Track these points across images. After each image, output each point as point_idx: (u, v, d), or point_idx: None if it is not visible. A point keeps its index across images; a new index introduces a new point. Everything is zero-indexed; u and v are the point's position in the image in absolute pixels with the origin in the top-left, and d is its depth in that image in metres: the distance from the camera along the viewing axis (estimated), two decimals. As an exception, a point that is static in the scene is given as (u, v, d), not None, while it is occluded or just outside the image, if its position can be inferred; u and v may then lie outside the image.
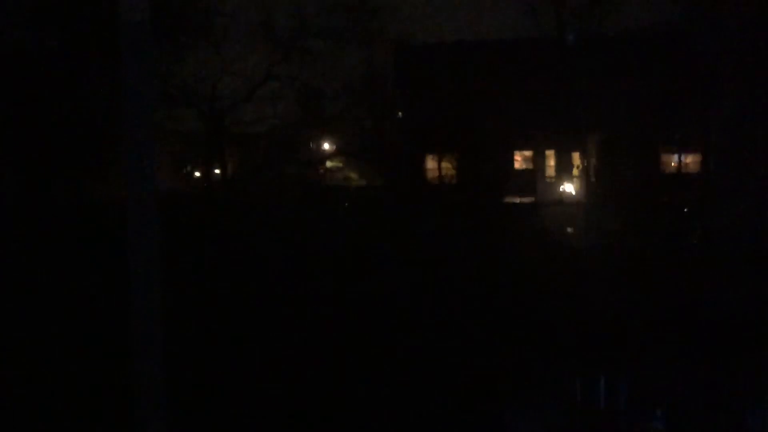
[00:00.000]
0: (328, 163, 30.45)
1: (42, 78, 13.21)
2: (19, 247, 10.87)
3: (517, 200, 25.36)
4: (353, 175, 31.78)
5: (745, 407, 5.36)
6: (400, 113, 27.75)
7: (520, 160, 28.81)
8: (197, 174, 28.27)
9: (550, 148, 27.07)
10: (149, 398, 2.58)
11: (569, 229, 16.65)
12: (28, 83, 12.88)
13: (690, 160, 26.47)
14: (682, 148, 26.05)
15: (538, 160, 27.23)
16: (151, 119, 2.57)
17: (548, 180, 26.96)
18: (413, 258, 11.36)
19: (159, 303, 2.59)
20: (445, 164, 28.48)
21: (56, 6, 13.39)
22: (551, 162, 27.26)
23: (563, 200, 25.37)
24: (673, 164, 26.89)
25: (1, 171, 13.28)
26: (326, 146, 31.49)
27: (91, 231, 11.35)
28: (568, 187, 26.32)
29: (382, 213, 20.30)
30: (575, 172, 26.82)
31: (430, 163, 28.65)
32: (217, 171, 26.08)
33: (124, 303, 2.70)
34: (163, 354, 2.65)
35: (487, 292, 8.45)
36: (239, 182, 26.76)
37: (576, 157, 26.88)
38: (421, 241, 13.99)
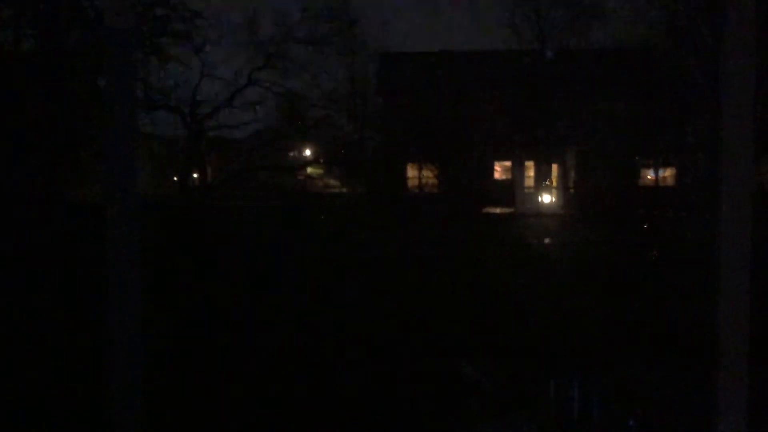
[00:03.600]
0: (309, 170, 30.44)
1: (19, 77, 13.08)
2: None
3: (497, 210, 25.56)
4: (333, 183, 31.80)
5: (717, 416, 5.46)
6: (381, 121, 27.86)
7: (499, 170, 29.06)
8: (175, 178, 28.07)
9: (529, 159, 27.32)
10: (124, 402, 2.58)
11: (547, 240, 16.82)
12: (4, 83, 12.75)
13: (668, 173, 26.90)
14: (660, 162, 26.45)
15: (518, 170, 27.47)
16: (134, 125, 2.58)
17: (527, 191, 27.21)
18: (389, 267, 11.40)
19: (138, 307, 2.59)
20: (425, 173, 28.64)
21: (35, 6, 13.28)
22: (530, 173, 27.52)
23: (541, 211, 25.59)
24: (649, 177, 27.30)
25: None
26: (307, 153, 31.49)
27: (67, 232, 11.23)
28: (547, 198, 26.57)
29: (361, 220, 20.34)
30: (553, 183, 27.09)
31: (411, 172, 28.79)
32: (196, 176, 25.94)
33: (101, 307, 2.70)
34: (142, 358, 2.65)
35: (461, 301, 8.50)
36: (218, 187, 26.66)
37: (555, 169, 27.17)
38: (399, 249, 14.05)
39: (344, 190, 30.82)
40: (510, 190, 27.36)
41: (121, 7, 2.49)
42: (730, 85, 2.49)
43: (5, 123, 12.39)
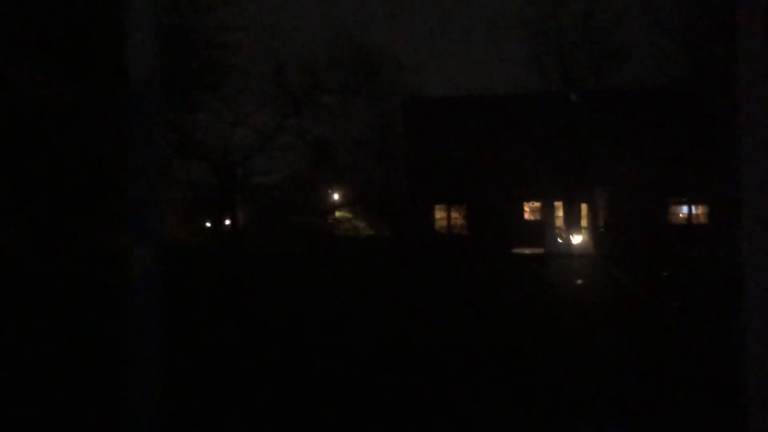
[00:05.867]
0: (338, 214, 30.70)
1: (54, 129, 13.56)
2: (26, 297, 10.98)
3: (526, 251, 25.37)
4: (362, 225, 31.99)
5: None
6: (408, 164, 28.08)
7: (528, 211, 28.93)
8: (208, 224, 28.53)
9: (558, 199, 27.19)
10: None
11: (579, 281, 16.58)
12: (41, 135, 13.22)
13: (700, 211, 26.50)
14: (691, 200, 26.08)
15: (547, 211, 27.33)
16: (157, 174, 2.68)
17: (557, 231, 27.00)
18: (419, 309, 11.35)
19: (158, 355, 2.64)
20: (454, 215, 28.66)
21: (69, 59, 13.85)
22: (560, 213, 27.35)
23: (572, 251, 25.31)
24: (682, 215, 26.90)
25: (10, 220, 13.51)
26: (336, 197, 31.80)
27: (98, 281, 11.45)
28: (577, 239, 26.30)
29: (390, 263, 20.37)
30: (583, 223, 26.85)
31: (439, 214, 28.84)
32: (228, 222, 26.34)
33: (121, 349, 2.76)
34: (161, 409, 2.69)
35: (491, 345, 8.41)
36: (249, 233, 26.99)
37: (584, 209, 26.98)
38: (427, 291, 13.99)
39: (373, 233, 30.97)
40: (540, 230, 27.19)
41: (144, 59, 2.62)
42: (747, 110, 2.51)
43: (40, 174, 12.80)
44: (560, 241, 26.24)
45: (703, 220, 26.39)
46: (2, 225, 13.50)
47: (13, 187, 12.88)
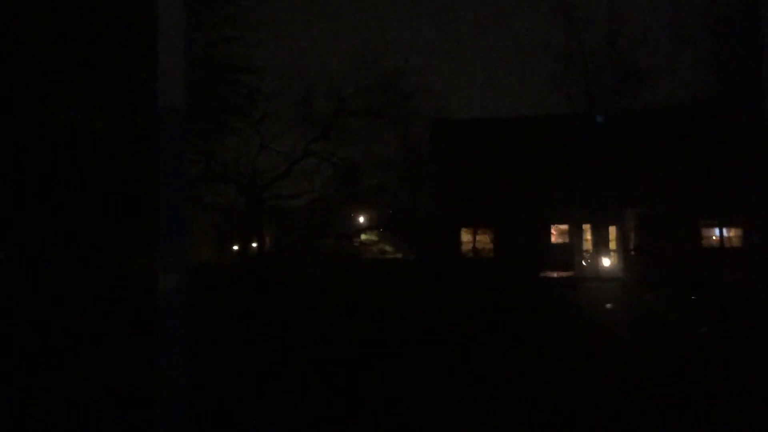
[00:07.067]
0: (363, 236, 30.77)
1: (89, 156, 13.86)
2: (61, 318, 11.15)
3: (555, 275, 25.08)
4: (388, 248, 32.00)
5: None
6: (434, 187, 28.07)
7: (556, 234, 28.64)
8: (236, 247, 28.78)
9: (586, 222, 26.84)
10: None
11: (608, 305, 16.29)
12: (76, 161, 13.52)
13: (733, 233, 25.98)
14: (723, 222, 25.58)
15: (575, 234, 27.01)
16: (184, 197, 2.72)
17: (585, 254, 26.65)
18: (443, 331, 11.26)
19: (186, 379, 2.66)
20: (480, 237, 28.51)
21: (101, 87, 14.19)
22: (588, 236, 27.00)
23: (601, 275, 24.94)
24: (714, 238, 26.38)
25: (44, 244, 13.79)
26: (362, 219, 31.90)
27: (130, 303, 11.59)
28: (606, 262, 25.92)
29: (416, 286, 20.28)
30: (612, 246, 26.48)
31: (465, 237, 28.71)
32: (254, 244, 26.54)
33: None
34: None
35: (520, 368, 8.29)
36: (276, 255, 27.16)
37: (613, 231, 26.61)
38: (454, 314, 13.88)
39: (399, 255, 30.95)
40: (568, 253, 26.86)
41: (173, 88, 2.68)
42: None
43: (74, 197, 13.06)
44: (588, 264, 25.89)
45: (736, 243, 25.86)
46: (34, 248, 13.78)
47: (46, 211, 13.17)
